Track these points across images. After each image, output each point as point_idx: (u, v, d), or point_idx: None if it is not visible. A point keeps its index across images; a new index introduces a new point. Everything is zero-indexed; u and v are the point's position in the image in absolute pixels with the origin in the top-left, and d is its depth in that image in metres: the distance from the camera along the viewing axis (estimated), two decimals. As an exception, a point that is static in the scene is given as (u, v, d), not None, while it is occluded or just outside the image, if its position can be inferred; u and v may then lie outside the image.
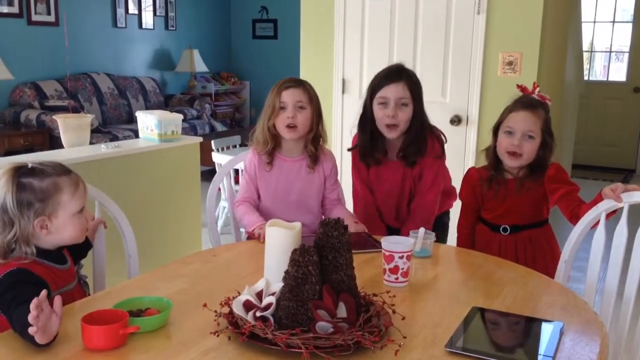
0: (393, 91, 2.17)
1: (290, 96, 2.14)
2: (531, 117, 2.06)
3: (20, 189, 1.43)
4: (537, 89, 2.14)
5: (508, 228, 2.14)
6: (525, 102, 2.10)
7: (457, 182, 2.32)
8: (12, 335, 1.26)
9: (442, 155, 2.31)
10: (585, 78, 6.67)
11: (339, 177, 2.39)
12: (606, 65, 7.49)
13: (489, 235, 2.18)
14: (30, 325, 1.16)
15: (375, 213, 2.37)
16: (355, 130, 2.36)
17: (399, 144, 2.26)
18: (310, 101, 2.17)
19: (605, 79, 7.44)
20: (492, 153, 2.16)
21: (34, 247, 1.46)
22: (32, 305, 1.16)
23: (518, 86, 2.18)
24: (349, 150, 2.38)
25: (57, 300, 1.21)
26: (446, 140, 2.34)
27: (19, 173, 1.45)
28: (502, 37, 3.34)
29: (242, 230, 2.42)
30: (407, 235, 2.03)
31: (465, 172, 2.29)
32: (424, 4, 3.52)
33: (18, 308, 1.25)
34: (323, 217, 2.31)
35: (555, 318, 1.40)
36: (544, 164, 2.09)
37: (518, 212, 2.12)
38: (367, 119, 2.26)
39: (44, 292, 1.18)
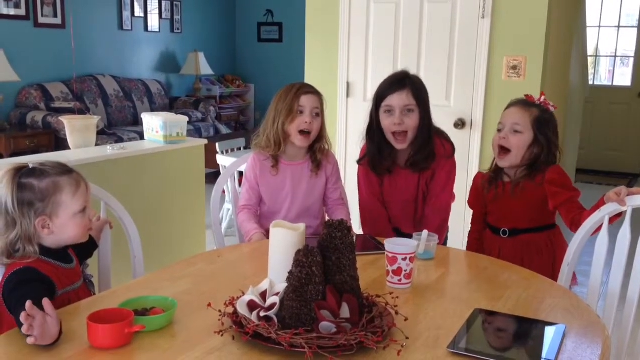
0: (397, 99, 2.17)
1: (309, 101, 2.14)
2: (519, 111, 2.08)
3: (20, 189, 1.44)
4: (543, 97, 2.15)
5: (507, 231, 2.14)
6: (518, 100, 2.14)
7: (460, 185, 2.33)
8: (19, 333, 1.27)
9: (452, 155, 2.30)
10: (590, 82, 6.66)
11: (342, 179, 2.40)
12: (611, 70, 7.49)
13: (491, 238, 2.19)
14: (29, 335, 1.17)
15: (388, 225, 2.34)
16: (363, 142, 2.35)
17: (407, 152, 2.25)
18: (322, 110, 2.19)
19: (610, 84, 7.44)
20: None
21: (37, 247, 1.47)
22: (21, 318, 1.17)
23: (526, 96, 2.19)
24: (358, 162, 2.36)
25: (46, 302, 1.22)
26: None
27: (20, 174, 1.46)
28: (506, 41, 3.35)
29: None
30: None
31: (472, 178, 2.31)
32: (428, 7, 3.53)
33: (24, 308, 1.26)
34: (326, 217, 2.32)
35: (557, 320, 1.41)
36: (541, 164, 2.08)
37: (515, 214, 2.12)
38: (374, 129, 2.25)
39: (29, 303, 1.18)
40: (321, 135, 2.21)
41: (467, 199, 2.30)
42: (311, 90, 2.17)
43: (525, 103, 2.12)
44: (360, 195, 2.39)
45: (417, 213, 2.35)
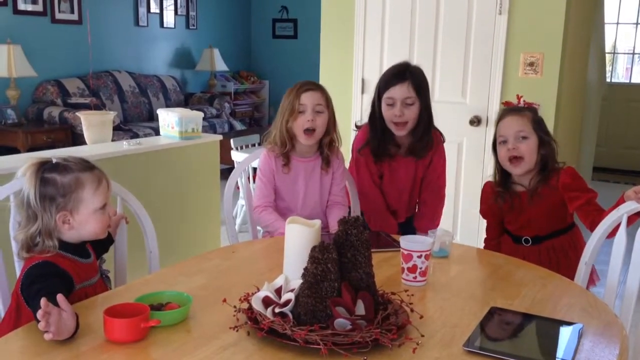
0: (399, 91, 2.25)
1: (309, 99, 2.16)
2: (517, 118, 2.10)
3: (43, 183, 1.46)
4: (522, 99, 2.21)
5: (530, 239, 2.13)
6: (509, 109, 2.17)
7: (475, 186, 2.32)
8: (36, 327, 1.28)
9: (443, 140, 2.46)
10: (608, 80, 6.59)
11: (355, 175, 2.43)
12: (629, 67, 7.40)
13: (512, 246, 2.17)
14: (46, 331, 1.18)
15: (387, 213, 2.43)
16: (356, 132, 2.47)
17: (408, 141, 2.34)
18: (327, 105, 2.20)
19: (628, 81, 7.35)
20: (498, 170, 2.18)
21: (57, 241, 1.48)
22: (38, 315, 1.18)
23: (503, 103, 2.24)
24: (358, 151, 2.40)
25: (60, 297, 1.23)
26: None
27: (43, 168, 1.48)
28: (523, 37, 3.32)
29: (260, 229, 2.43)
30: (423, 223, 2.39)
31: (482, 187, 2.30)
32: (445, 4, 3.51)
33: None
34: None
35: (574, 319, 1.39)
36: (551, 163, 2.09)
37: (537, 223, 2.11)
38: (376, 117, 2.33)
39: (43, 300, 1.19)
40: (328, 130, 2.23)
41: (480, 208, 2.28)
42: (311, 87, 2.19)
43: (517, 109, 2.15)
44: (361, 186, 2.44)
45: (412, 201, 2.48)
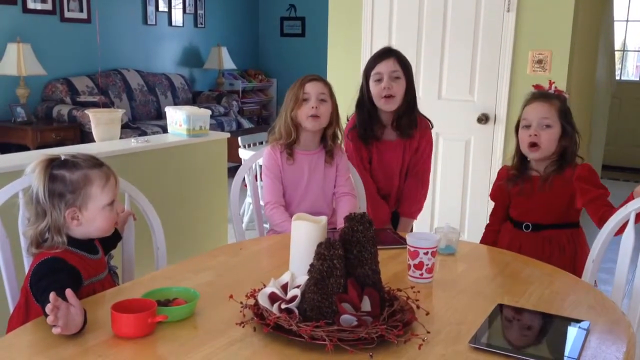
0: (385, 66, 2.37)
1: (313, 88, 2.21)
2: (544, 105, 2.08)
3: (52, 180, 1.47)
4: (553, 85, 2.18)
5: (530, 225, 2.13)
6: (538, 94, 2.15)
7: (482, 181, 2.32)
8: (45, 322, 1.29)
9: (431, 126, 2.55)
10: (617, 78, 6.56)
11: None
12: (639, 65, 7.35)
13: (512, 232, 2.18)
14: (54, 325, 1.19)
15: (379, 199, 2.50)
16: (348, 120, 2.53)
17: (393, 118, 2.42)
18: (331, 96, 2.25)
19: (638, 79, 7.31)
20: (516, 153, 2.18)
21: (66, 237, 1.49)
22: (47, 310, 1.19)
23: (534, 86, 2.21)
24: (347, 135, 2.45)
25: (69, 292, 1.23)
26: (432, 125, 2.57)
27: (52, 165, 1.49)
28: (532, 35, 3.30)
29: (266, 226, 2.44)
30: (404, 206, 2.52)
31: (497, 171, 2.31)
32: (452, 1, 3.50)
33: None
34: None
35: (581, 317, 1.39)
36: (571, 155, 2.08)
37: (542, 209, 2.11)
38: (364, 101, 2.43)
39: (52, 294, 1.20)
40: (331, 122, 2.26)
41: (489, 192, 2.29)
42: (315, 78, 2.25)
43: (545, 95, 2.13)
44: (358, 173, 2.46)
45: (400, 187, 2.54)
